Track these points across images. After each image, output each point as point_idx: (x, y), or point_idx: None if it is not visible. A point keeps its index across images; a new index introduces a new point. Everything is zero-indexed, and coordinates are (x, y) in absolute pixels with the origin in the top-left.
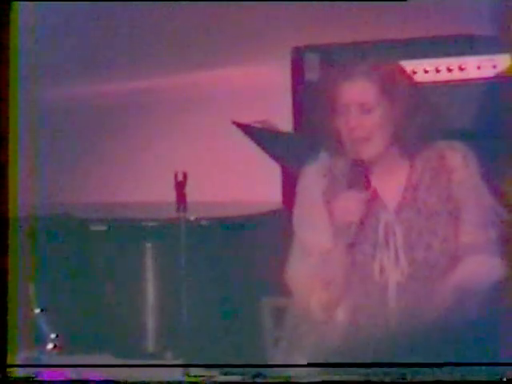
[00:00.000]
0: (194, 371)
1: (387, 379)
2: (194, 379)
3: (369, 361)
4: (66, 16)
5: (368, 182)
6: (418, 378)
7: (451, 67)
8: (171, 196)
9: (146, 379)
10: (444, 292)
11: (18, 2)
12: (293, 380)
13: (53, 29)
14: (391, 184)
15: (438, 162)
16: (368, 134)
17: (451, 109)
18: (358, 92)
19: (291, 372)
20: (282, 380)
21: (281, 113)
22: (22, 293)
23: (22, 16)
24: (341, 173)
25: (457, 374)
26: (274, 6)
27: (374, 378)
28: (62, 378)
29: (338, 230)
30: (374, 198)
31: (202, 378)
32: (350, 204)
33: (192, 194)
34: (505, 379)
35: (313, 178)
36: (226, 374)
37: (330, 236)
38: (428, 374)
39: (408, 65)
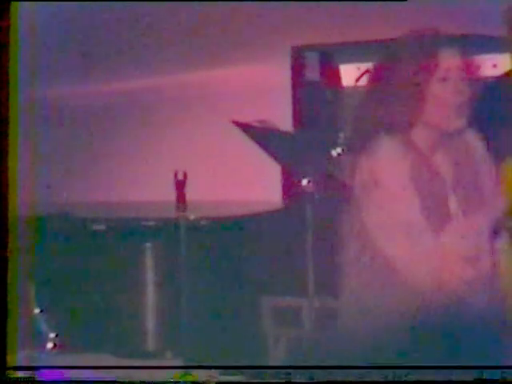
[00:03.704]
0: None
1: (389, 379)
2: (194, 379)
3: None
4: (65, 16)
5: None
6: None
7: None
8: (171, 196)
9: (146, 379)
10: None
11: (18, 2)
12: (293, 380)
13: (53, 29)
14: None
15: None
16: (463, 100)
17: None
18: (459, 57)
19: (291, 372)
20: (281, 380)
21: (281, 113)
22: (22, 293)
23: (22, 16)
24: (425, 143)
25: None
26: (274, 6)
27: (377, 379)
28: (61, 378)
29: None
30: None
31: (202, 378)
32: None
33: (192, 193)
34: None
35: (395, 162)
36: (226, 374)
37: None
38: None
39: None
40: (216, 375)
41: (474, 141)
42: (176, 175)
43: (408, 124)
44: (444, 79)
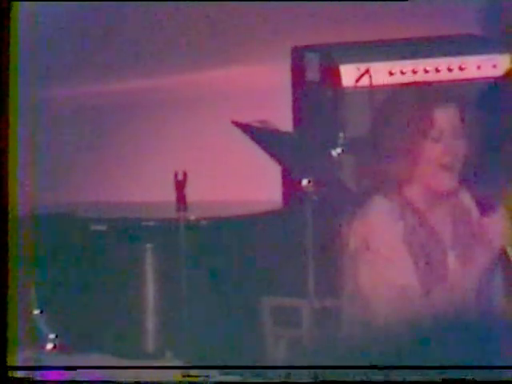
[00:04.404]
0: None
1: (388, 379)
2: (194, 379)
3: None
4: (66, 16)
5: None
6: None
7: (451, 67)
8: (171, 196)
9: (146, 379)
10: None
11: (18, 2)
12: (293, 380)
13: (53, 29)
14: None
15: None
16: (456, 162)
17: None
18: (452, 116)
19: (291, 372)
20: (281, 380)
21: (281, 113)
22: (22, 293)
23: (22, 16)
24: (420, 201)
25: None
26: (274, 6)
27: (377, 379)
28: (61, 378)
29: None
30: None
31: (201, 378)
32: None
33: (192, 193)
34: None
35: (388, 225)
36: (226, 374)
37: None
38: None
39: (408, 65)
40: (211, 375)
41: (468, 200)
42: (176, 175)
43: (402, 182)
44: (438, 140)
